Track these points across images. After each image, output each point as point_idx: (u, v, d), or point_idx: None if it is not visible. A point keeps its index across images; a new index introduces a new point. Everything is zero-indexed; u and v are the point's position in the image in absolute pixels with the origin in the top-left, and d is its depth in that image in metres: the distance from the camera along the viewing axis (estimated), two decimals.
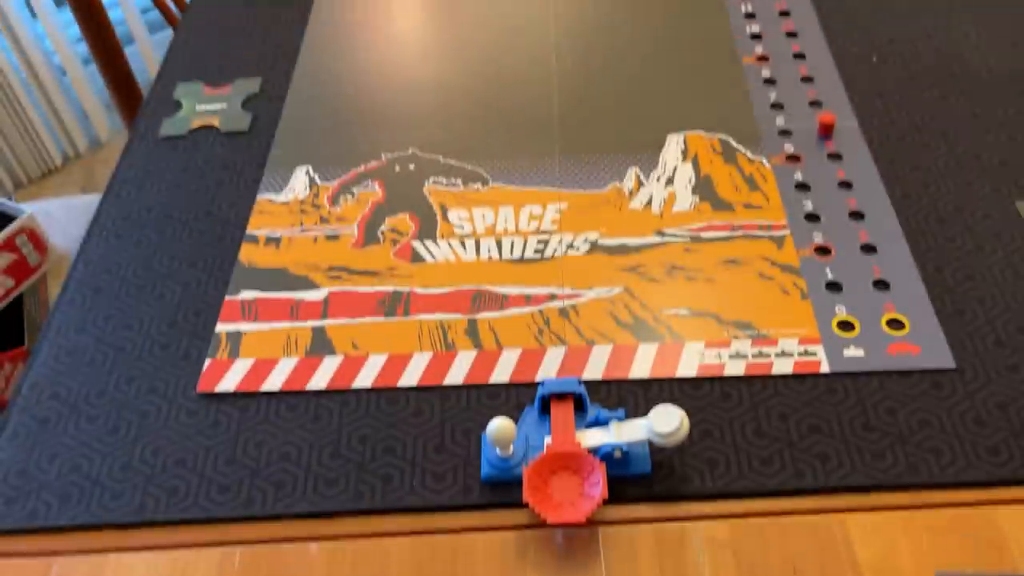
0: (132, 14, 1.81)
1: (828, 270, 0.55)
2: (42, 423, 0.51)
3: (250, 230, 0.61)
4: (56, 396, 0.52)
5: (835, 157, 0.62)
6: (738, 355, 0.51)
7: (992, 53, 0.69)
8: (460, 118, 0.68)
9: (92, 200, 1.05)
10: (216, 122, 0.70)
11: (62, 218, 1.03)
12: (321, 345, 0.54)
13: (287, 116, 0.70)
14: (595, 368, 0.51)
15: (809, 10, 0.75)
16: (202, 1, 0.83)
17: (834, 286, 0.54)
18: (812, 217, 0.58)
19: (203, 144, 0.68)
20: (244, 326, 0.55)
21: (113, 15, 1.83)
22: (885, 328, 0.51)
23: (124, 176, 0.66)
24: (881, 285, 0.54)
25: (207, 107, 0.71)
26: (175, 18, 1.06)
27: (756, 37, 0.72)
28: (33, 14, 1.68)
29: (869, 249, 0.56)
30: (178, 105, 0.72)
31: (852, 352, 0.50)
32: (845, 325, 0.52)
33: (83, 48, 1.45)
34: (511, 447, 0.45)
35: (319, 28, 0.78)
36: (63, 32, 1.71)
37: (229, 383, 0.52)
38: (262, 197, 0.63)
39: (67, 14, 1.59)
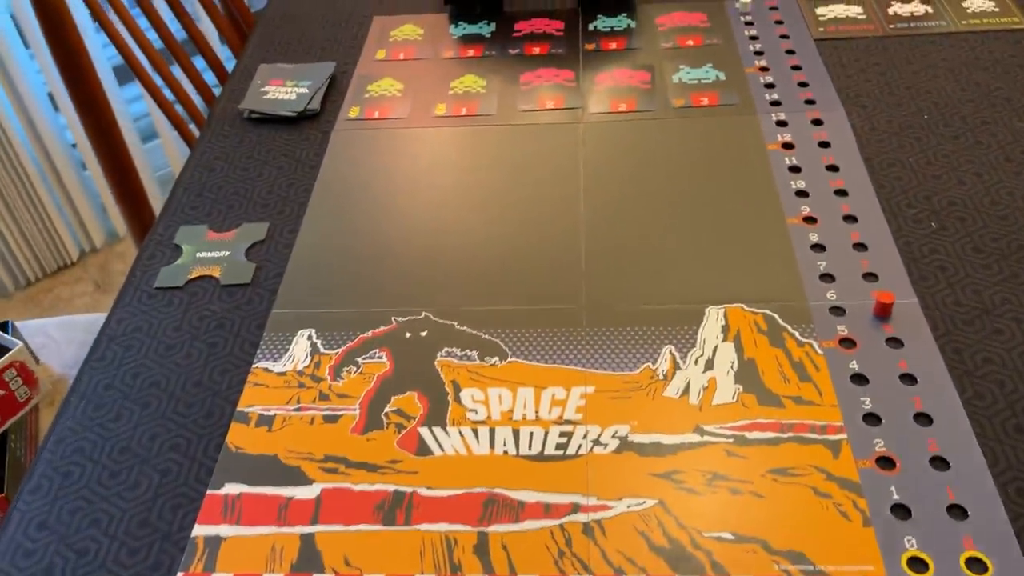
0: (155, 108, 1.80)
1: (894, 488, 0.48)
2: None
3: (241, 406, 0.55)
4: None
5: (895, 342, 0.55)
6: None
7: None
8: (479, 278, 0.63)
9: (92, 320, 1.00)
10: (217, 272, 0.64)
11: (59, 339, 0.98)
12: (309, 558, 0.47)
13: (292, 268, 0.64)
14: None
15: (858, 162, 0.69)
16: (213, 135, 0.79)
17: (901, 509, 0.47)
18: (872, 418, 0.51)
19: (200, 297, 0.63)
20: (225, 529, 0.49)
21: (138, 108, 1.84)
22: (965, 570, 0.44)
23: (112, 333, 0.61)
24: (957, 511, 0.46)
25: (208, 254, 0.66)
26: (192, 135, 1.03)
27: (802, 194, 0.67)
28: (55, 107, 1.68)
29: (940, 463, 0.49)
30: (178, 250, 0.67)
31: None
32: (916, 563, 0.44)
33: None
34: None
35: (333, 170, 0.74)
36: None
37: None
38: (258, 365, 0.58)
39: None
